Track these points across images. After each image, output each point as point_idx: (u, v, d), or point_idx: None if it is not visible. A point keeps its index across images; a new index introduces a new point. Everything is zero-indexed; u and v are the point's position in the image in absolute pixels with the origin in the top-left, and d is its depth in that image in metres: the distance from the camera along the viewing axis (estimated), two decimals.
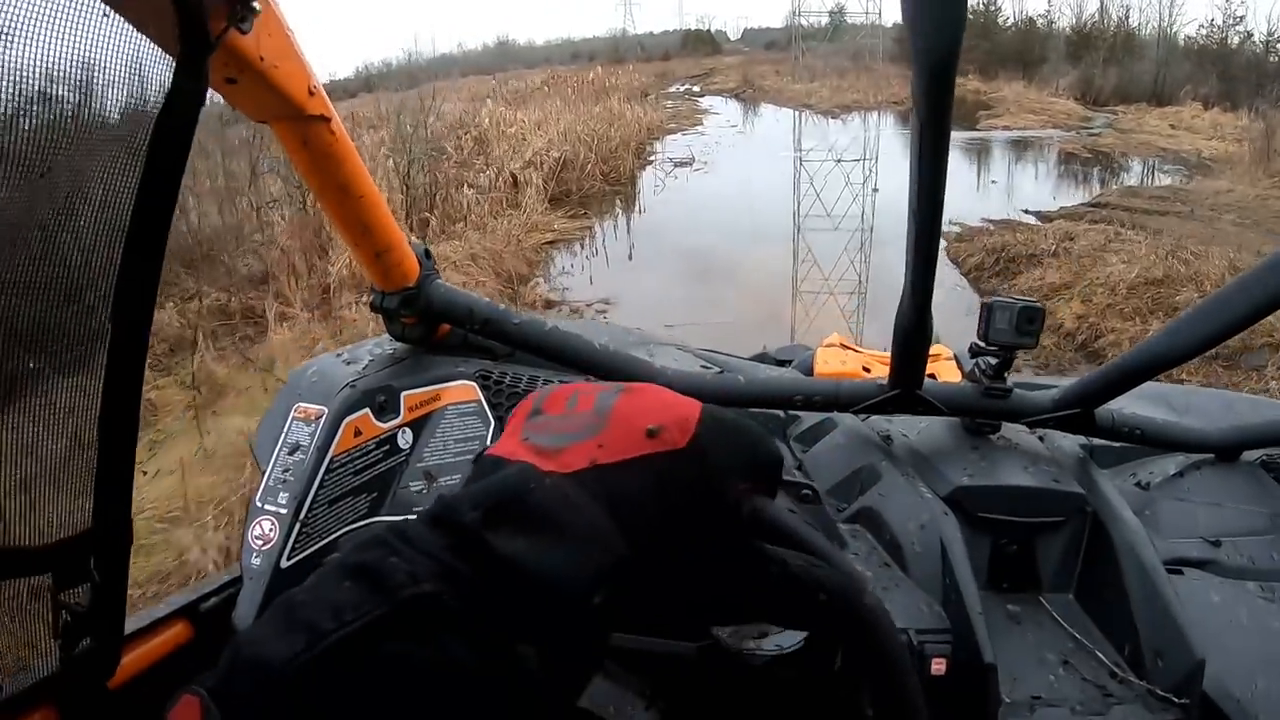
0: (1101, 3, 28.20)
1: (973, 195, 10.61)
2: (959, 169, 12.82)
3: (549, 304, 7.04)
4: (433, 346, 0.97)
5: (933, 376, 1.06)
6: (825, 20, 31.22)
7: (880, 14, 28.06)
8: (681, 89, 29.53)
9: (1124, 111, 19.15)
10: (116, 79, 0.44)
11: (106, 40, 0.43)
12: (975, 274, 7.32)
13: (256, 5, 0.56)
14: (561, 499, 0.35)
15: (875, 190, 10.33)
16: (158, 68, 0.46)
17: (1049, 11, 30.66)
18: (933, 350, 1.12)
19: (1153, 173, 12.40)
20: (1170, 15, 25.37)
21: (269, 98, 0.66)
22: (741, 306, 6.99)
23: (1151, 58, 23.51)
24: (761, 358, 1.34)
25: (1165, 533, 0.92)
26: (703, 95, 27.70)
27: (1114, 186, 11.22)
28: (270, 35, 0.61)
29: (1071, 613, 0.86)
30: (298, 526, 0.77)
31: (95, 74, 0.43)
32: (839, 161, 11.57)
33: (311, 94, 0.69)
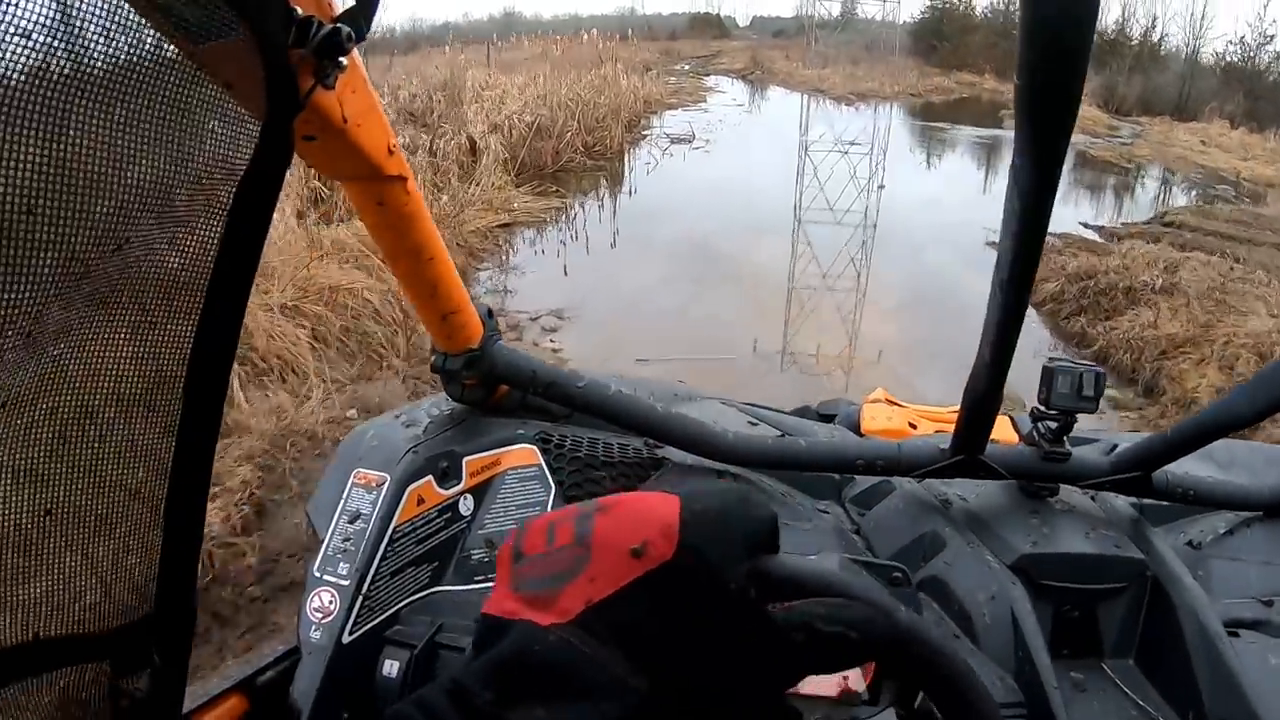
0: (1123, 11, 28.24)
1: None
2: (1004, 174, 11.61)
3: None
4: (490, 408, 0.95)
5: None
6: (837, 11, 31.20)
7: (899, 5, 27.31)
8: (686, 67, 27.53)
9: (1149, 123, 19.03)
10: (202, 143, 0.43)
11: (192, 102, 0.42)
12: (1053, 307, 5.71)
13: (344, 62, 0.51)
14: (569, 653, 0.35)
15: (881, 187, 9.59)
16: (244, 129, 0.45)
17: None
18: (946, 411, 1.34)
19: (1204, 192, 11.58)
20: (1199, 29, 24.98)
21: (348, 156, 0.63)
22: (738, 328, 5.31)
23: (1175, 71, 23.79)
24: (803, 412, 1.33)
25: (1218, 593, 0.90)
26: (709, 74, 25.77)
27: (1173, 203, 10.43)
28: (354, 92, 0.58)
29: (1134, 679, 0.83)
30: (360, 599, 0.75)
31: (179, 137, 0.41)
32: (845, 152, 11.18)
33: (391, 153, 0.66)
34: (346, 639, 0.73)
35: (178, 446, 0.46)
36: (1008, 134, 15.48)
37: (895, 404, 1.38)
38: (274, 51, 0.45)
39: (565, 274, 6.35)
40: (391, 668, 0.73)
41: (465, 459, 0.86)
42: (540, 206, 7.79)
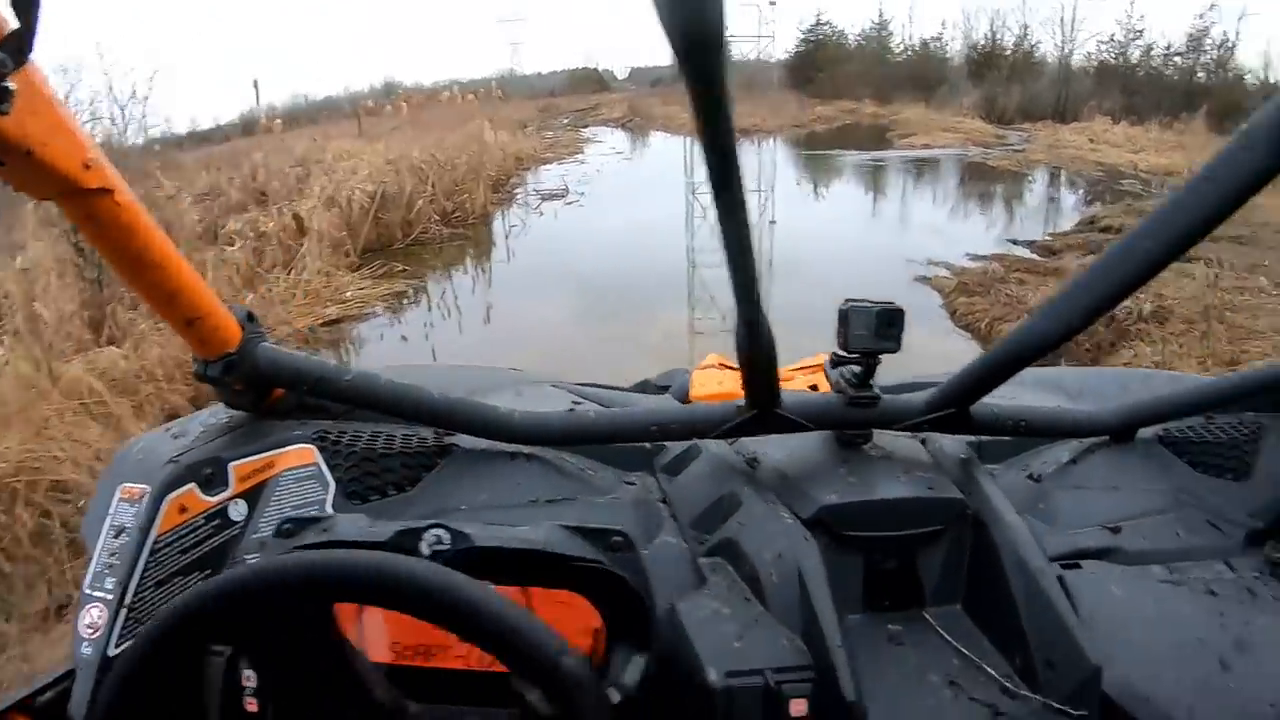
0: (992, 25, 29.42)
1: (940, 223, 9.24)
2: (908, 195, 11.88)
3: None
4: (268, 412, 0.91)
5: (814, 388, 1.07)
6: None
7: (774, 39, 28.27)
8: (565, 121, 27.05)
9: (1033, 128, 19.30)
10: None
11: None
12: None
13: (11, 85, 0.54)
14: None
15: (773, 222, 9.13)
16: None
17: (941, 35, 31.75)
18: (815, 361, 1.32)
19: (1112, 189, 11.08)
20: (1071, 32, 25.59)
21: (42, 177, 0.63)
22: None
23: (1051, 76, 24.16)
24: (643, 386, 1.33)
25: (1062, 525, 0.87)
26: (587, 126, 25.30)
27: (1086, 206, 9.95)
28: (35, 114, 0.58)
29: (960, 626, 0.82)
30: (124, 612, 0.75)
31: None
32: None
33: (88, 168, 0.65)
34: (111, 652, 0.74)
35: None
36: (913, 152, 15.77)
37: (729, 367, 1.38)
38: None
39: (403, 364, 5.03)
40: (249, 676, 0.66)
41: (232, 464, 0.83)
42: (380, 293, 6.49)
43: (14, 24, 0.52)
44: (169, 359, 4.06)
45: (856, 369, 0.87)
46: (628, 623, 0.72)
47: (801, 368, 1.33)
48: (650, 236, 8.53)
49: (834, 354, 0.88)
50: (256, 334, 0.87)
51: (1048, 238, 7.90)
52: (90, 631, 0.74)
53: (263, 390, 0.89)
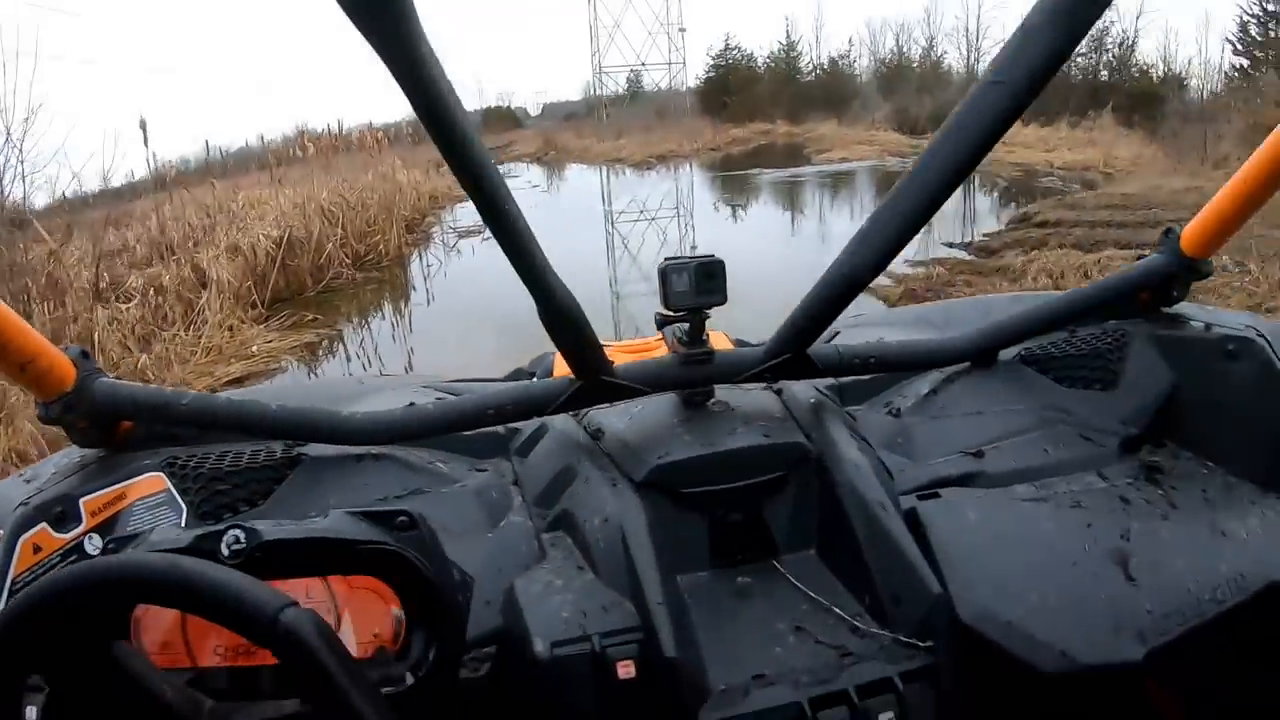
0: (898, 39, 29.71)
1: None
2: (830, 209, 11.96)
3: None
4: (120, 445, 0.90)
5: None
6: (623, 87, 33.09)
7: (684, 66, 29.77)
8: None
9: None
10: None
11: None
12: None
13: None
14: None
15: (694, 246, 9.01)
16: None
17: (850, 52, 31.92)
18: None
19: (1037, 186, 11.60)
20: (976, 42, 26.39)
21: None
22: None
23: (959, 85, 24.24)
24: (516, 374, 1.30)
25: (923, 455, 0.87)
26: (502, 163, 25.17)
27: (1011, 203, 10.17)
28: None
29: (812, 571, 0.82)
30: None
31: None
32: (653, 219, 10.92)
33: None
34: None
35: None
36: (830, 166, 15.96)
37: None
38: None
39: None
40: (31, 712, 0.63)
41: (83, 500, 0.82)
42: (289, 345, 6.06)
43: None
44: None
45: (685, 326, 0.87)
46: (423, 603, 0.72)
47: (625, 348, 1.26)
48: (571, 268, 8.35)
49: (658, 314, 0.87)
50: (92, 371, 0.87)
51: (983, 238, 7.96)
52: None
53: (107, 425, 0.88)
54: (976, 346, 0.96)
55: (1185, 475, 0.83)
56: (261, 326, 6.39)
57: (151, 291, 6.27)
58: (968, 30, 27.31)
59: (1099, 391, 0.94)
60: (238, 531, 0.67)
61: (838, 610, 0.75)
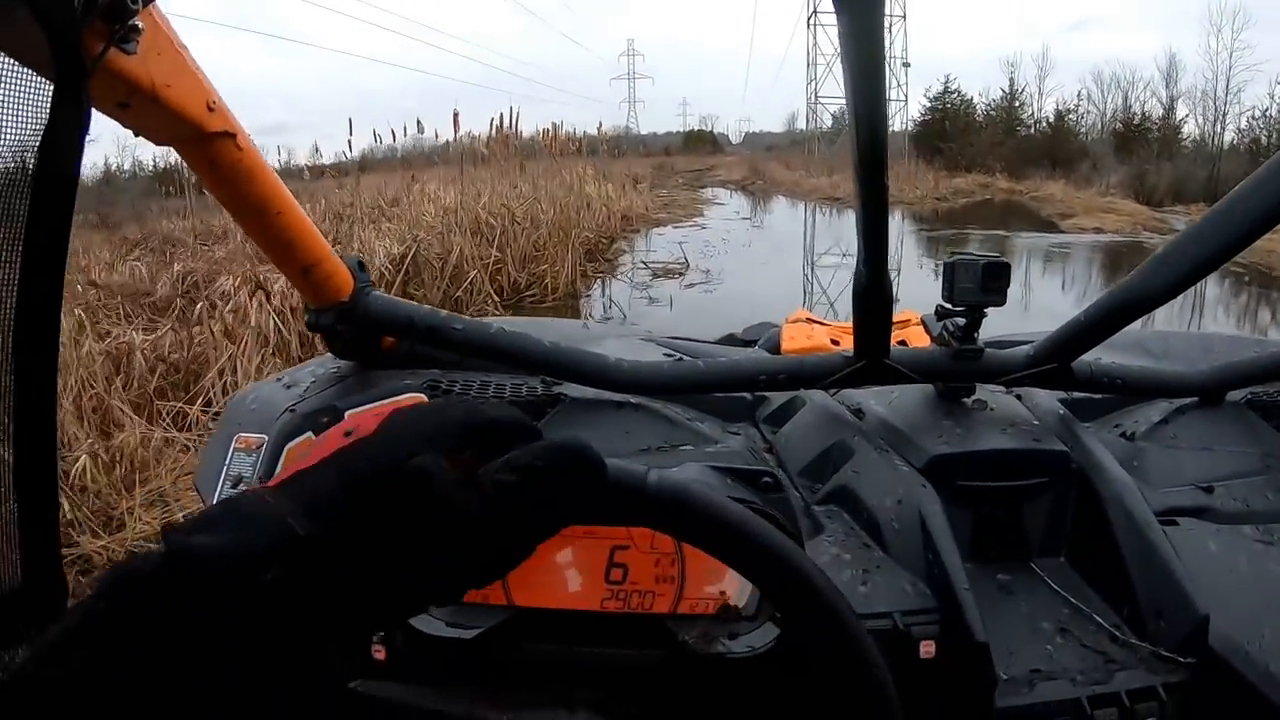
0: (1125, 98, 27.27)
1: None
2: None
3: None
4: (378, 361, 0.95)
5: (903, 343, 1.05)
6: (829, 124, 31.96)
7: (906, 103, 29.11)
8: (681, 180, 25.38)
9: (1186, 210, 17.21)
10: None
11: None
12: None
13: (139, 24, 0.52)
14: (250, 502, 0.38)
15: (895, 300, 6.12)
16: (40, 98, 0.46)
17: (1078, 107, 28.93)
18: (901, 317, 1.27)
19: None
20: (1224, 107, 23.57)
21: (166, 120, 0.63)
22: None
23: (1206, 156, 22.22)
24: (729, 339, 1.33)
25: (1155, 483, 0.88)
26: (705, 186, 23.34)
27: None
28: (160, 54, 0.58)
29: (1065, 576, 0.82)
30: None
31: None
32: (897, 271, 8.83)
33: (211, 109, 0.66)
34: None
35: (15, 407, 0.47)
36: (1070, 238, 13.34)
37: (817, 322, 1.41)
38: (54, 16, 0.45)
39: None
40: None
41: (348, 413, 0.82)
42: None
43: None
44: None
45: (961, 321, 0.88)
46: None
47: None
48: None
49: (939, 306, 0.89)
50: (367, 283, 0.88)
51: None
52: None
53: (373, 339, 0.91)
54: (1210, 383, 0.96)
55: None
56: None
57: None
58: (1214, 94, 23.90)
59: None
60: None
61: (1097, 618, 0.75)
